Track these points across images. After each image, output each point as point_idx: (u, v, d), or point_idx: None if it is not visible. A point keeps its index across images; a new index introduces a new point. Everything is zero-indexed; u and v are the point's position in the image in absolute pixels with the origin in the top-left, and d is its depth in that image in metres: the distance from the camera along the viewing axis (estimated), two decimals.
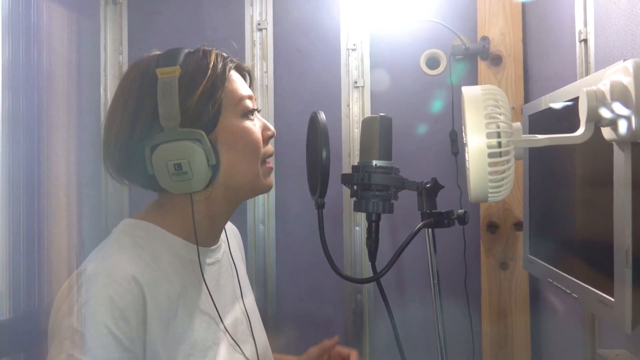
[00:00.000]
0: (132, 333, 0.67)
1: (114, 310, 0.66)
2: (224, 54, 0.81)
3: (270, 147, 0.85)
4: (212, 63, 0.77)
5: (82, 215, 1.41)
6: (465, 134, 0.65)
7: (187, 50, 0.78)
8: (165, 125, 0.71)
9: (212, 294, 0.79)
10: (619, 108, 0.63)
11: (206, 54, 0.78)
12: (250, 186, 0.81)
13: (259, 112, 0.84)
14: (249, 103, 0.80)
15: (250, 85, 0.85)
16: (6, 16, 1.18)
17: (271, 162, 0.85)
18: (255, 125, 0.81)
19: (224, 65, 0.78)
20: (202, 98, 0.74)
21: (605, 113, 0.64)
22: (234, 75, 0.80)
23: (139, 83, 0.75)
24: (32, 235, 1.23)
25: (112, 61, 1.63)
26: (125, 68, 0.86)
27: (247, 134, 0.78)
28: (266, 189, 0.84)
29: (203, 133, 0.72)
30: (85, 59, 1.52)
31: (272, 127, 0.85)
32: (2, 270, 1.16)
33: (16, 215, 1.20)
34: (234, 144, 0.77)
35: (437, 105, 1.62)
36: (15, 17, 1.20)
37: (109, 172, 0.78)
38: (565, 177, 0.97)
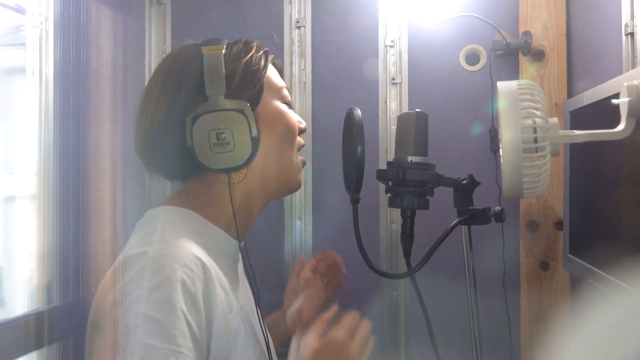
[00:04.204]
0: (201, 322, 0.63)
1: (186, 296, 0.61)
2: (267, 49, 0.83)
3: (301, 139, 0.86)
4: (254, 47, 0.79)
5: (126, 208, 1.47)
6: (500, 129, 0.64)
7: (228, 40, 0.79)
8: (211, 94, 0.70)
9: (242, 292, 0.79)
10: None
11: (248, 42, 0.80)
12: (285, 175, 0.81)
13: (292, 109, 0.85)
14: (287, 93, 0.82)
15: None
16: (58, 18, 1.23)
17: (304, 159, 0.87)
18: (293, 113, 0.83)
19: (266, 55, 0.81)
20: (246, 74, 0.75)
21: None
22: (273, 68, 0.83)
23: (182, 60, 0.76)
24: (79, 227, 1.29)
25: (157, 60, 1.68)
26: None
27: (286, 117, 0.80)
28: (297, 185, 0.84)
29: (248, 105, 0.72)
30: (130, 58, 1.57)
31: (304, 122, 0.86)
32: (53, 261, 1.22)
33: (65, 208, 1.26)
34: (273, 125, 0.78)
35: (477, 101, 1.59)
36: (66, 18, 1.26)
37: (139, 155, 0.77)
38: (608, 175, 0.95)
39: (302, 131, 0.85)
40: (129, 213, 1.50)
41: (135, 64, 1.65)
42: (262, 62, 0.78)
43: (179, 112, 0.71)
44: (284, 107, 0.81)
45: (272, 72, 0.81)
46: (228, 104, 0.71)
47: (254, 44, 0.80)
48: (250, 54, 0.77)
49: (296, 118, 0.83)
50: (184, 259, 0.64)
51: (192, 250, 0.66)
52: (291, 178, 0.82)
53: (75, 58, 1.29)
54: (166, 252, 0.64)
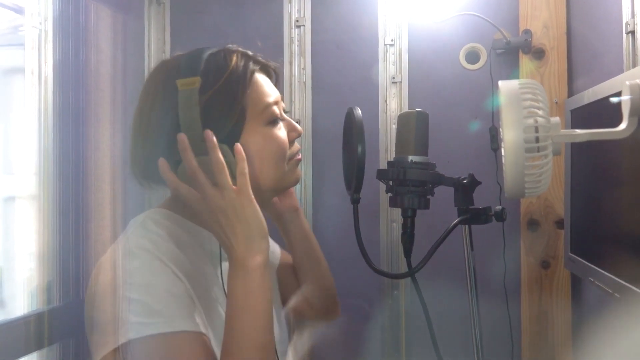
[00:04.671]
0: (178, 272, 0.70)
1: (159, 252, 0.69)
2: (249, 53, 0.79)
3: (296, 145, 0.84)
4: (234, 68, 0.75)
5: (126, 208, 1.46)
6: (502, 128, 0.64)
7: (208, 54, 0.75)
8: (189, 139, 0.69)
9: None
10: None
11: (227, 57, 0.76)
12: (276, 186, 0.81)
13: (286, 112, 0.83)
14: (275, 109, 0.78)
15: (277, 84, 0.84)
16: (57, 18, 1.23)
17: (299, 155, 0.85)
18: (281, 130, 0.80)
19: (245, 69, 0.76)
20: (224, 108, 0.73)
21: None
22: (259, 78, 0.78)
23: (162, 94, 0.75)
24: (79, 228, 1.29)
25: (156, 60, 1.68)
26: None
27: (272, 142, 0.77)
28: (294, 182, 0.84)
29: (227, 148, 0.71)
30: (130, 58, 1.57)
31: (298, 127, 0.84)
32: (53, 261, 1.22)
33: (65, 208, 1.25)
34: (259, 152, 0.76)
35: (481, 102, 1.59)
36: (65, 18, 1.26)
37: (135, 175, 0.79)
38: (610, 173, 0.95)
39: (295, 138, 0.84)
40: (129, 213, 1.49)
41: (134, 63, 1.64)
42: (242, 86, 0.75)
43: (164, 149, 0.72)
44: (270, 130, 0.77)
45: (255, 91, 0.77)
46: (201, 148, 0.69)
47: (234, 58, 0.76)
48: (228, 74, 0.74)
49: (283, 134, 0.80)
50: (149, 235, 0.71)
51: (163, 236, 0.73)
52: (286, 181, 0.82)
53: (75, 58, 1.29)
54: (138, 241, 0.71)
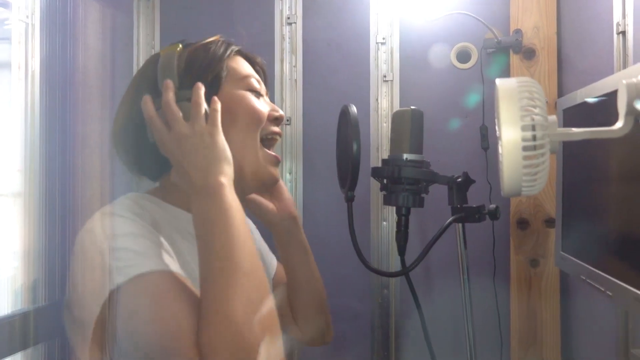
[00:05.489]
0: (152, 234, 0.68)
1: (140, 218, 0.68)
2: (232, 42, 0.82)
3: (276, 128, 0.82)
4: (215, 41, 0.79)
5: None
6: (499, 127, 0.63)
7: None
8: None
9: None
10: None
11: (210, 39, 0.80)
12: (252, 167, 0.77)
13: (266, 95, 0.83)
14: (254, 82, 0.79)
15: (265, 82, 0.83)
16: (44, 11, 1.21)
17: (277, 155, 0.82)
18: (261, 102, 0.79)
19: (227, 45, 0.79)
20: (202, 64, 0.75)
21: None
22: (240, 60, 0.81)
23: (145, 64, 0.79)
24: (65, 225, 1.27)
25: (145, 56, 1.65)
26: None
27: (247, 103, 0.76)
28: (269, 177, 0.80)
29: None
30: (118, 53, 1.54)
31: (280, 110, 0.82)
32: (38, 260, 1.20)
33: (51, 206, 1.23)
34: (234, 112, 0.75)
35: (468, 99, 1.60)
36: (52, 12, 1.23)
37: (121, 159, 0.79)
38: (602, 172, 0.95)
39: (276, 118, 0.81)
40: None
41: (123, 59, 1.62)
42: (222, 50, 0.77)
43: (139, 112, 0.71)
44: (247, 94, 0.77)
45: (236, 62, 0.79)
46: (181, 97, 0.70)
47: (216, 37, 0.80)
48: (208, 45, 0.77)
49: (266, 108, 0.79)
50: (136, 212, 0.70)
51: (144, 211, 0.71)
52: (260, 170, 0.78)
53: (62, 52, 1.27)
54: (121, 204, 0.71)
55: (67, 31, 1.27)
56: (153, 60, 0.77)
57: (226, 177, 0.67)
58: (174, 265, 0.66)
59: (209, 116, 0.69)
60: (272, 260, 0.99)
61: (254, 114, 0.76)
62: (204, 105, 0.69)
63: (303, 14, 1.63)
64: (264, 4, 1.65)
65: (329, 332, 0.99)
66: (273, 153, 0.81)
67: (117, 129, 0.78)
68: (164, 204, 0.77)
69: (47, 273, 1.22)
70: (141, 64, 1.60)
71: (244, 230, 0.65)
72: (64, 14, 1.27)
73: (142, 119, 0.71)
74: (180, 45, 0.74)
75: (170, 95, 0.69)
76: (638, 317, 1.03)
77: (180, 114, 0.68)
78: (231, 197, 0.66)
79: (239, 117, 0.75)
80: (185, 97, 0.70)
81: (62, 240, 1.25)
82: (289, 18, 1.62)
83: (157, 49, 1.67)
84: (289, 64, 1.62)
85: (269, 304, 0.64)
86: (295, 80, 1.62)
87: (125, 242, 0.64)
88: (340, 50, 1.64)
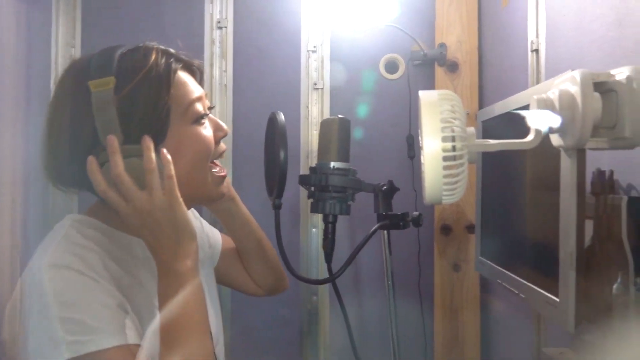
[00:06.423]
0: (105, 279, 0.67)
1: (86, 267, 0.65)
2: (170, 51, 0.74)
3: (222, 145, 0.81)
4: (153, 66, 0.70)
5: (28, 214, 1.36)
6: (422, 138, 0.66)
7: (123, 51, 0.70)
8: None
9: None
10: (566, 115, 0.65)
11: (147, 54, 0.71)
12: (199, 193, 0.77)
13: (211, 109, 0.80)
14: (199, 107, 0.75)
15: (201, 82, 0.80)
16: None
17: (223, 171, 0.81)
18: (206, 129, 0.77)
19: (168, 68, 0.71)
20: (146, 109, 0.68)
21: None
22: (182, 76, 0.74)
23: (72, 98, 0.69)
24: None
25: (64, 54, 1.57)
26: None
27: (197, 141, 0.74)
28: (218, 196, 0.81)
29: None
30: (35, 52, 1.46)
31: (224, 127, 0.81)
32: None
33: None
34: (183, 152, 0.72)
35: (395, 109, 1.64)
36: None
37: (52, 180, 0.73)
38: (516, 182, 1.01)
39: (221, 137, 0.80)
40: (30, 218, 1.38)
41: (39, 59, 1.52)
42: (165, 76, 0.70)
43: (83, 155, 0.67)
44: (195, 129, 0.74)
45: (179, 89, 0.72)
46: (128, 151, 0.66)
47: (153, 56, 0.71)
48: (146, 71, 0.69)
49: (209, 132, 0.77)
50: (82, 257, 0.67)
51: (91, 247, 0.69)
52: (209, 193, 0.79)
53: None
54: (62, 258, 0.66)
55: None
56: (80, 94, 0.67)
57: (192, 259, 0.69)
58: (130, 329, 0.65)
59: (165, 185, 0.67)
60: (217, 236, 1.03)
61: (203, 148, 0.75)
62: (157, 167, 0.66)
63: (234, 19, 1.61)
64: (193, 6, 1.61)
65: (284, 281, 1.08)
66: (222, 173, 0.80)
67: (48, 151, 0.71)
68: (110, 229, 0.74)
69: None
70: (60, 65, 1.53)
71: (204, 315, 0.70)
72: None
73: (77, 144, 0.67)
74: (113, 80, 0.66)
75: (119, 162, 0.65)
76: (548, 318, 1.10)
77: (135, 188, 0.65)
78: (197, 280, 0.69)
79: (189, 154, 0.73)
80: (133, 153, 0.66)
81: None
82: (219, 22, 1.60)
83: (78, 49, 1.58)
84: (219, 68, 1.60)
85: None
86: (225, 85, 1.60)
87: (77, 312, 0.62)
88: (271, 56, 1.64)
